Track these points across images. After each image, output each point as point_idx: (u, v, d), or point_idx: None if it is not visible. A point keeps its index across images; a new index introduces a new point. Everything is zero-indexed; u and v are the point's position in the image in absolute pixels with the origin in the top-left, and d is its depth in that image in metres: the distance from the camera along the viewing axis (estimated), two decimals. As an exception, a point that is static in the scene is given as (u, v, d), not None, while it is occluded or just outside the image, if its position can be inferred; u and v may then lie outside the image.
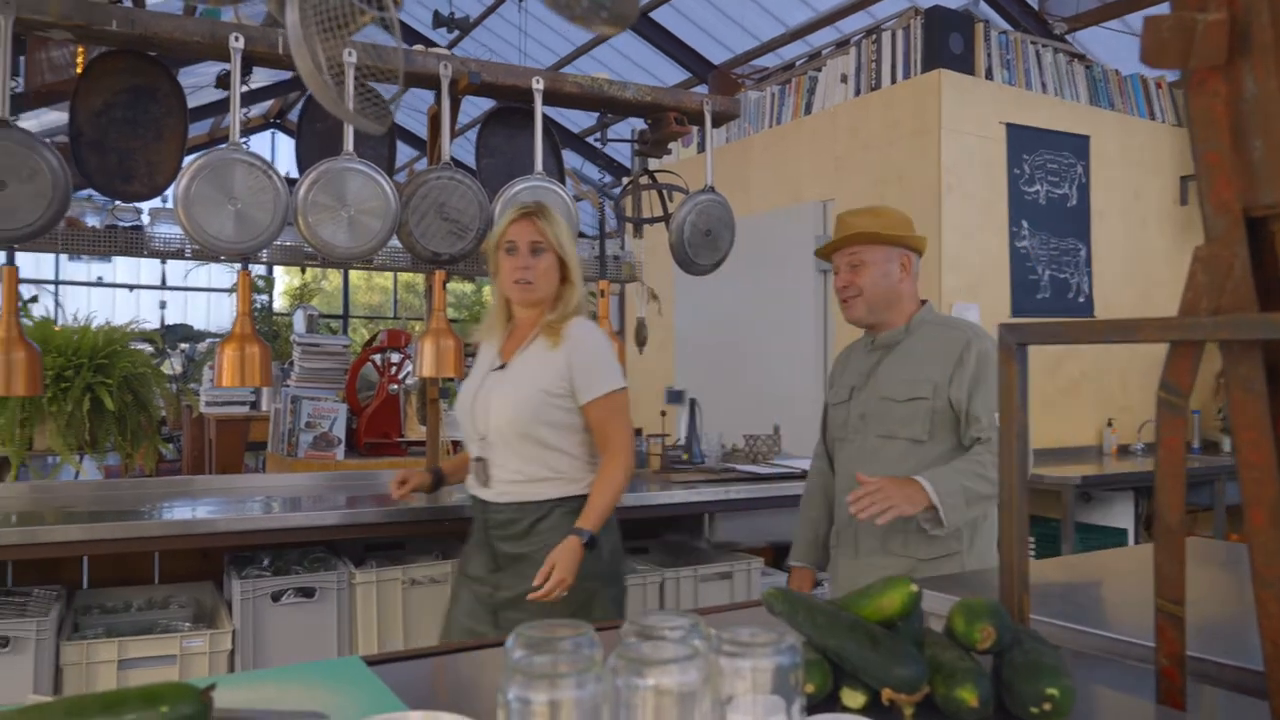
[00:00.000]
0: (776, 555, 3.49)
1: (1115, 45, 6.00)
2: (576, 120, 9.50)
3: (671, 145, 3.55)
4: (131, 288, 12.54)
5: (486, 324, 2.42)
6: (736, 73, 7.73)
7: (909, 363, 2.25)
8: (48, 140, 2.53)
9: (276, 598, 2.53)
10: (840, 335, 4.74)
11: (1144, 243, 5.07)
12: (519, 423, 2.25)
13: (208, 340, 9.09)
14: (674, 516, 3.45)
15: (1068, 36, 6.04)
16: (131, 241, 2.81)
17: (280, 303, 11.84)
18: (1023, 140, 4.60)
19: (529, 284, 2.28)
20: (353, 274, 13.74)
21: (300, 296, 10.91)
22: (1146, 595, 1.13)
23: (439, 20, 8.67)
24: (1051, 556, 3.64)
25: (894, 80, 4.66)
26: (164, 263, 11.24)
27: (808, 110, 5.18)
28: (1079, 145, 4.81)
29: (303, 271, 11.02)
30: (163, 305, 12.32)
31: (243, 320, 2.75)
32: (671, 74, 8.96)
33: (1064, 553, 3.90)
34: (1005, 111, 4.56)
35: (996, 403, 2.09)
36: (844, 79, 4.95)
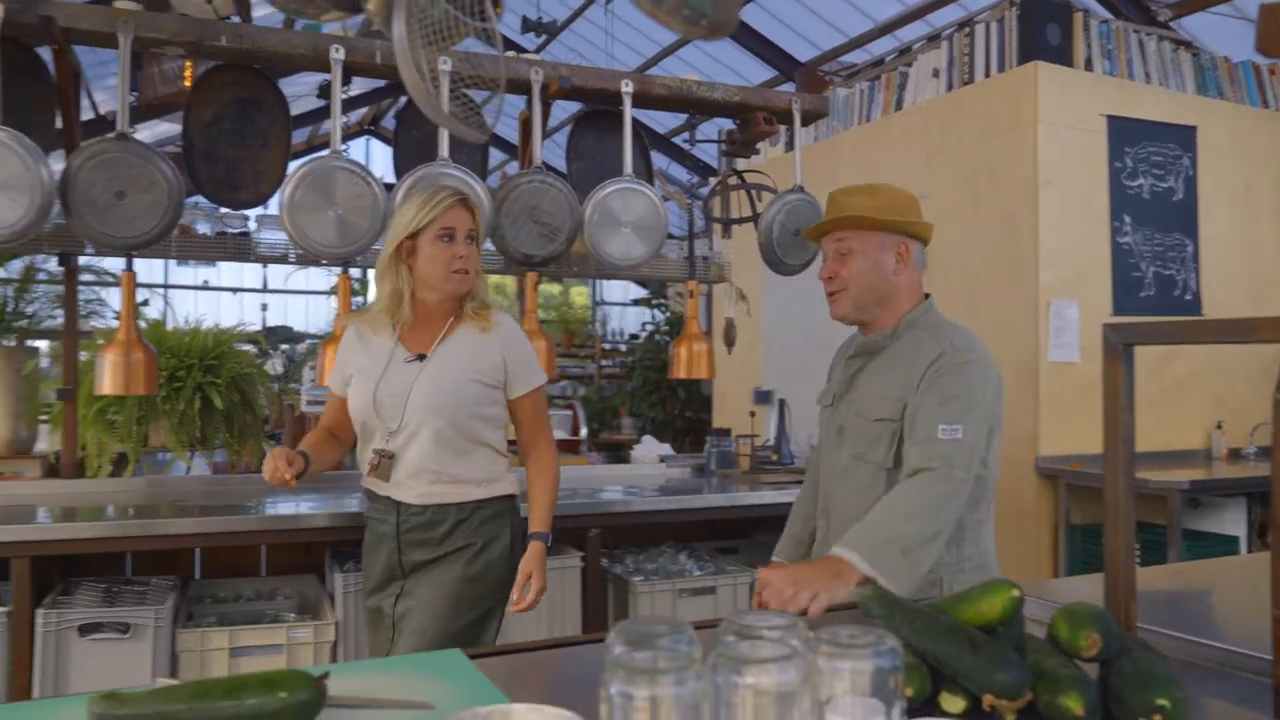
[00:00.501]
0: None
1: (1224, 31, 5.75)
2: (662, 121, 9.53)
3: (759, 144, 3.54)
4: (235, 291, 13.05)
5: (379, 312, 2.17)
6: (823, 70, 7.66)
7: (886, 375, 1.95)
8: (161, 150, 2.66)
9: (376, 591, 2.61)
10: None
11: (1256, 237, 4.85)
12: (453, 415, 2.11)
13: (307, 341, 9.40)
14: (763, 517, 3.44)
15: (1172, 23, 5.82)
16: (240, 247, 2.93)
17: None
18: (1125, 132, 4.44)
19: (467, 273, 2.13)
20: (443, 276, 14.01)
21: (394, 298, 11.18)
22: (1262, 605, 1.09)
23: (527, 25, 8.80)
24: (1157, 564, 3.51)
25: (988, 74, 4.55)
26: (265, 267, 11.69)
27: (898, 106, 5.10)
28: (1185, 136, 4.62)
29: (396, 274, 11.30)
30: (264, 308, 12.79)
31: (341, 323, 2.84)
32: (757, 72, 8.91)
33: (1170, 560, 3.76)
34: (1106, 103, 4.41)
35: (945, 414, 1.83)
36: (935, 74, 4.86)
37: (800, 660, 0.83)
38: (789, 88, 8.61)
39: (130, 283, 2.69)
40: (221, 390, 3.54)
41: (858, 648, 0.85)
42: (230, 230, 2.95)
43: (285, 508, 2.86)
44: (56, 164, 2.58)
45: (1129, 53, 4.61)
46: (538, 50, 10.41)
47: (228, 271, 12.64)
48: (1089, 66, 4.48)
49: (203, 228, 2.98)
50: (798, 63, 8.61)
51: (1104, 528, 1.22)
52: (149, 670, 2.39)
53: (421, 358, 2.13)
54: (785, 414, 3.75)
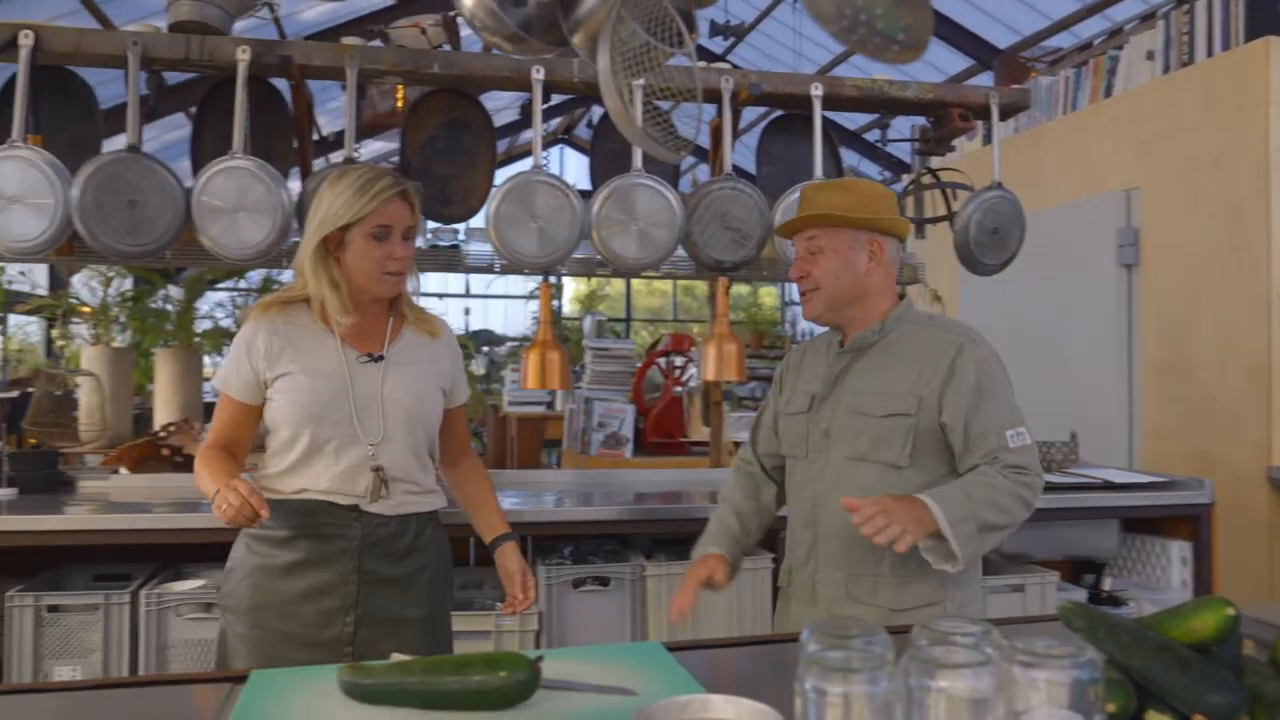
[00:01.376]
0: (1074, 570, 3.30)
1: None
2: (853, 117, 9.38)
3: (954, 140, 3.45)
4: (440, 296, 13.83)
5: (311, 304, 1.93)
6: (1025, 56, 7.31)
7: (886, 370, 1.91)
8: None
9: (577, 584, 2.74)
10: (1147, 334, 4.37)
11: None
12: (426, 420, 1.98)
13: (507, 344, 9.87)
14: (959, 524, 3.35)
15: None
16: (451, 258, 3.14)
17: (569, 308, 12.60)
18: (1375, 109, 4.01)
19: (401, 275, 1.94)
20: (635, 279, 14.37)
21: (588, 302, 11.57)
22: None
23: (715, 29, 8.88)
24: None
25: (1210, 53, 4.22)
26: (468, 274, 12.35)
27: (1107, 93, 4.81)
28: None
29: (588, 279, 11.69)
30: (467, 312, 13.49)
31: (545, 328, 3.00)
32: (953, 62, 8.62)
33: None
34: (1352, 78, 4.00)
35: (1008, 417, 1.84)
36: (1150, 56, 4.55)
37: (994, 668, 0.84)
38: (987, 77, 8.27)
39: (356, 294, 2.94)
40: (433, 391, 3.80)
41: (1055, 658, 0.85)
42: (442, 243, 3.17)
43: (492, 502, 3.04)
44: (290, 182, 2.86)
45: (1381, 20, 4.16)
46: (725, 53, 10.48)
47: (433, 279, 13.42)
48: (1331, 38, 4.07)
49: (418, 241, 3.21)
50: (996, 50, 8.25)
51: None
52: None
53: (378, 358, 1.94)
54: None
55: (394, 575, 1.92)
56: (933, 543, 1.72)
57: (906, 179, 3.79)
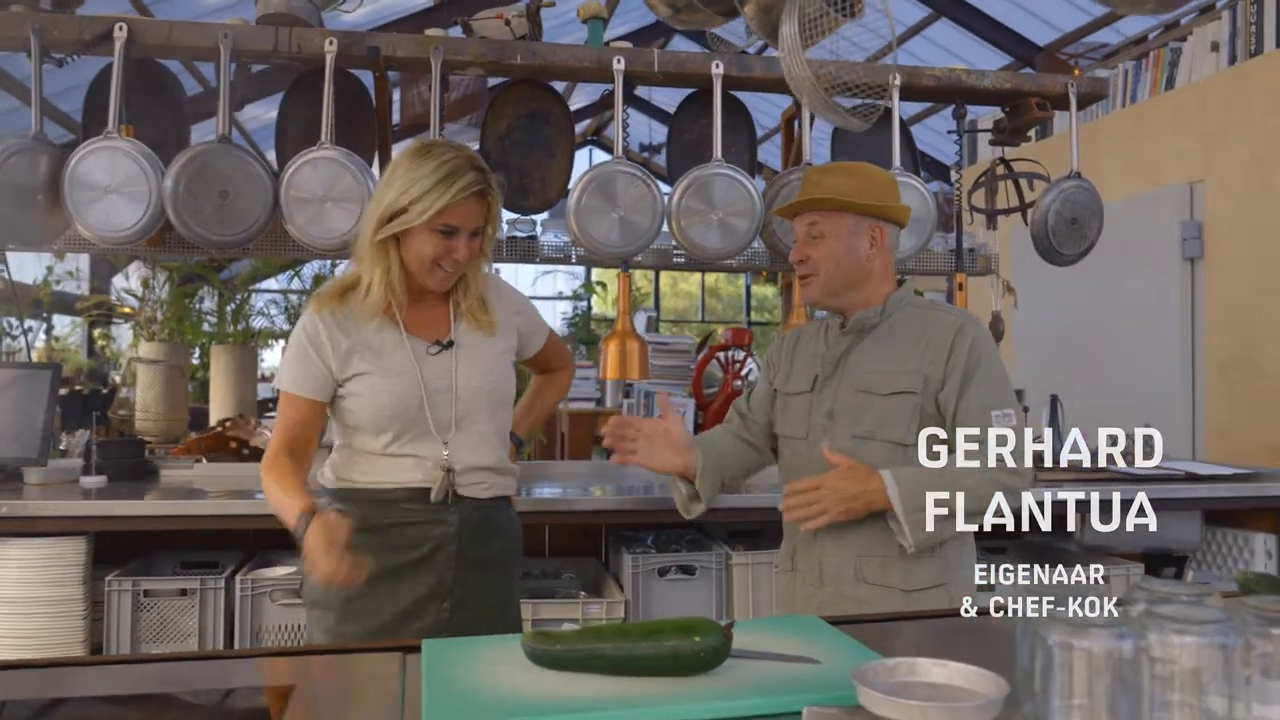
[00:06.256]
0: (1151, 564, 3.27)
1: None
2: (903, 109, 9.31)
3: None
4: (473, 297, 13.85)
5: (364, 296, 1.82)
6: (1065, 53, 7.26)
7: (889, 350, 1.90)
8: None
9: (662, 573, 2.74)
10: (1212, 329, 4.34)
11: None
12: (504, 399, 1.94)
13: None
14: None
15: None
16: (527, 250, 3.15)
17: (602, 309, 12.60)
18: None
19: (453, 274, 1.83)
20: (661, 280, 14.36)
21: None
22: None
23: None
24: None
25: (1279, 44, 4.19)
26: (516, 271, 12.32)
27: (1169, 86, 4.77)
28: None
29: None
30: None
31: (623, 318, 3.01)
32: (990, 60, 8.53)
33: None
34: None
35: (996, 398, 1.82)
36: (1215, 47, 4.52)
37: (1237, 623, 0.84)
38: (1027, 74, 8.20)
39: (438, 284, 2.96)
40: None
41: (1294, 613, 0.85)
42: (519, 234, 3.17)
43: (552, 491, 3.05)
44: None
45: None
46: (764, 50, 10.44)
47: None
48: (1403, 28, 4.04)
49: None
50: (1035, 47, 8.17)
51: None
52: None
53: (449, 344, 1.86)
54: (1059, 411, 3.61)
55: (485, 560, 1.88)
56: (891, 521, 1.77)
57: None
